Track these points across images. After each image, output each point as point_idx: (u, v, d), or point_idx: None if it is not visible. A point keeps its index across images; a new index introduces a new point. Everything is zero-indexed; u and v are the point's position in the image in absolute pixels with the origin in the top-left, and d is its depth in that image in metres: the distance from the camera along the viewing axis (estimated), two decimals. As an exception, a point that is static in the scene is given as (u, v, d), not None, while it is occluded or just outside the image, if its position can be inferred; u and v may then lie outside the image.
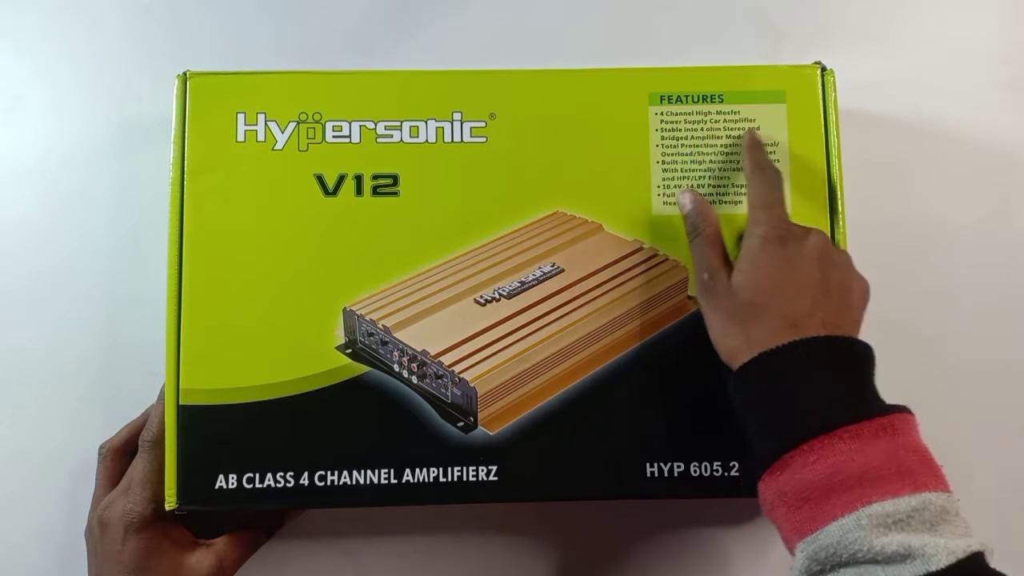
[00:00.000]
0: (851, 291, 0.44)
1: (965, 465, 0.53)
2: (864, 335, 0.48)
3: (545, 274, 0.49)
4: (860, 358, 0.41)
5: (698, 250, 0.46)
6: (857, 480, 0.37)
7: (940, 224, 0.56)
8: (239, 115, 0.48)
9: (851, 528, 0.36)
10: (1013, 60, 0.58)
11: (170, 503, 0.45)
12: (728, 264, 0.45)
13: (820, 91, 0.49)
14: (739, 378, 0.42)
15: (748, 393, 0.41)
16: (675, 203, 0.48)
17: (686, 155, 0.49)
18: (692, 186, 0.49)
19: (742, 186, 0.49)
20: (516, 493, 0.46)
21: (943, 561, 0.34)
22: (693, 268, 0.46)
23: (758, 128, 0.49)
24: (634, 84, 0.49)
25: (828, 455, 0.38)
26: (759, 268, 0.43)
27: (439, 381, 0.46)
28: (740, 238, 0.46)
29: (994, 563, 0.36)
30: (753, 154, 0.47)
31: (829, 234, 0.48)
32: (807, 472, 0.38)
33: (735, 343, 0.42)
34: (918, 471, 0.38)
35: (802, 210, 0.48)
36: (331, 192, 0.48)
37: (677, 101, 0.49)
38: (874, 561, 0.36)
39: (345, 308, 0.47)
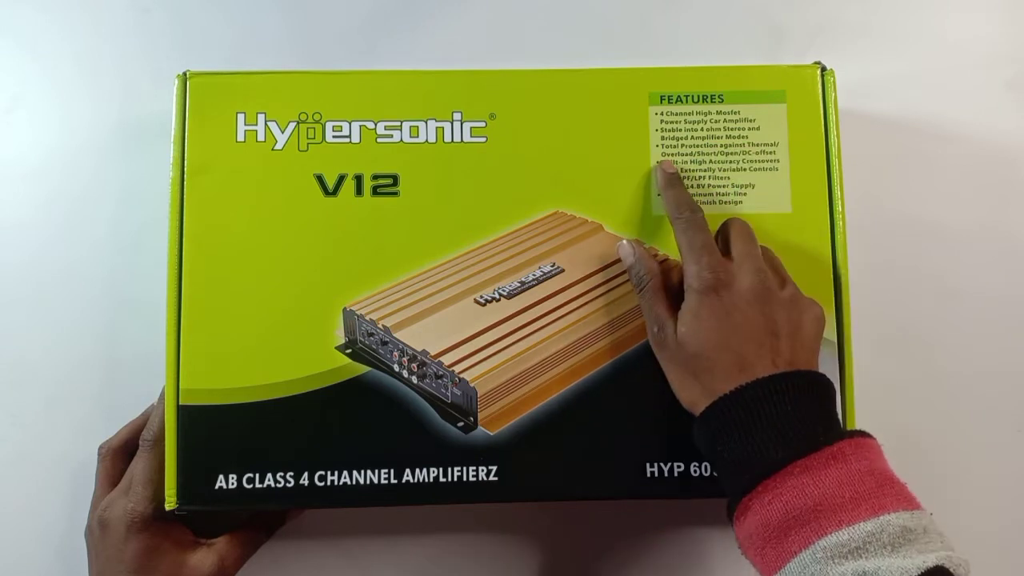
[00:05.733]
0: (800, 324, 0.43)
1: (962, 466, 0.53)
2: (862, 336, 0.48)
3: (545, 274, 0.49)
4: (813, 390, 0.41)
5: (645, 303, 0.45)
6: (812, 513, 0.37)
7: (940, 224, 0.56)
8: (239, 115, 0.48)
9: (808, 563, 0.36)
10: (1014, 60, 0.58)
11: (170, 503, 0.45)
12: (675, 313, 0.44)
13: (820, 91, 0.49)
14: (699, 427, 0.42)
15: (708, 441, 0.42)
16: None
17: (686, 155, 0.49)
18: (691, 186, 0.49)
19: (743, 186, 0.49)
20: (516, 493, 0.46)
21: None
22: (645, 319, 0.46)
23: (757, 128, 0.49)
24: (634, 84, 0.49)
25: (782, 493, 0.38)
26: (701, 321, 0.43)
27: (439, 381, 0.46)
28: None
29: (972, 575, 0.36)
30: (671, 193, 0.47)
31: (829, 233, 0.48)
32: (765, 513, 0.38)
33: (692, 393, 0.43)
34: (875, 494, 0.37)
35: (802, 211, 0.48)
36: (331, 192, 0.48)
37: (677, 101, 0.49)
38: None
39: (345, 308, 0.47)
